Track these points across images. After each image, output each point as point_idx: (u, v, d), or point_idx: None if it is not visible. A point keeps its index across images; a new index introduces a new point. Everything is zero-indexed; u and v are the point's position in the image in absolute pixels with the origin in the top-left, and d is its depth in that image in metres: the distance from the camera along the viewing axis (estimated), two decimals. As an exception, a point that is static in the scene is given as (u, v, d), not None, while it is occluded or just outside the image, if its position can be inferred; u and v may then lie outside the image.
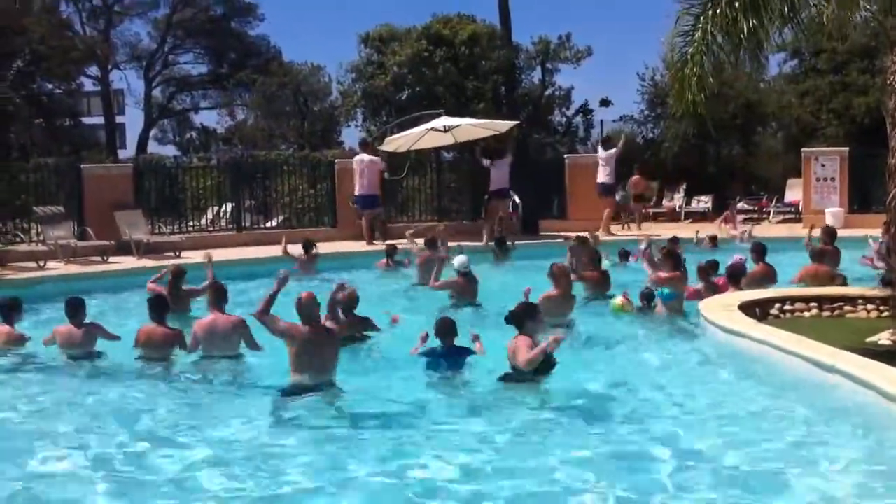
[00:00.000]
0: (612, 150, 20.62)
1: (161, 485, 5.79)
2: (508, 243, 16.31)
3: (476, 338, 8.51)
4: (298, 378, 7.52)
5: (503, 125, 21.54)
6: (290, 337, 7.56)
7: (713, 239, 17.01)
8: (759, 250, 12.58)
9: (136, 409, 7.50)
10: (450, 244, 14.55)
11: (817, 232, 14.05)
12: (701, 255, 13.66)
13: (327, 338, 7.64)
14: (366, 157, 19.60)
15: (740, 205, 24.81)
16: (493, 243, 16.67)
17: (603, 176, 20.43)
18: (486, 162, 19.96)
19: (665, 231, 18.95)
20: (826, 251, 12.91)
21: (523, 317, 7.73)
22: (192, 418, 7.19)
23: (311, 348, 7.51)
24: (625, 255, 15.24)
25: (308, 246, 15.09)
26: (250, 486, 5.77)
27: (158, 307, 9.01)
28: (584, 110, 32.53)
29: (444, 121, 20.02)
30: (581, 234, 15.12)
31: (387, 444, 6.53)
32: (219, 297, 8.93)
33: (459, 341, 8.52)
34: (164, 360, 8.69)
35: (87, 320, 9.17)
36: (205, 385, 8.16)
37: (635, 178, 23.14)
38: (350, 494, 5.65)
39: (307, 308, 7.58)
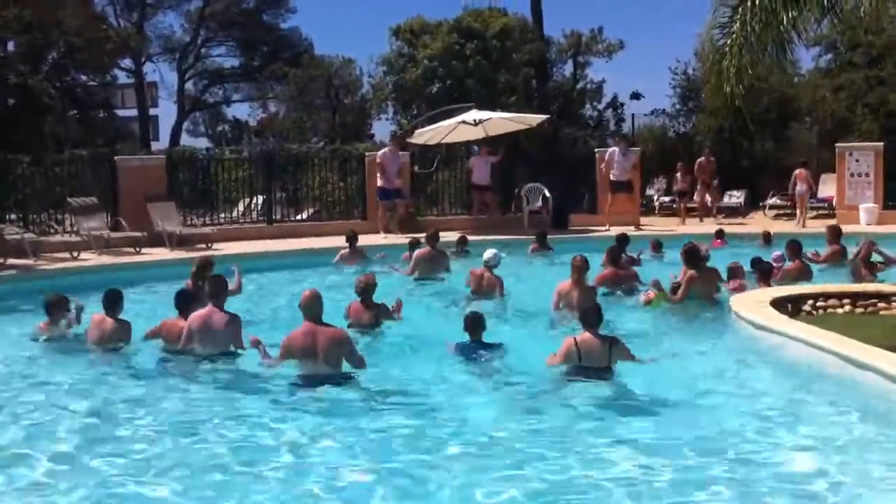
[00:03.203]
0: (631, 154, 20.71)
1: (179, 476, 5.80)
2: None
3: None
4: (303, 370, 7.67)
5: (533, 119, 21.58)
6: (288, 353, 7.75)
7: (766, 236, 16.85)
8: (795, 247, 12.46)
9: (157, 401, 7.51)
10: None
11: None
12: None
13: (325, 334, 7.66)
14: (390, 150, 19.68)
15: (772, 200, 24.62)
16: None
17: (621, 174, 20.33)
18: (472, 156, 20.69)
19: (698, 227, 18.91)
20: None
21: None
22: (208, 412, 7.18)
23: (307, 348, 7.61)
24: (658, 247, 15.16)
25: (351, 239, 15.06)
26: (275, 473, 5.81)
27: (184, 301, 8.91)
28: (615, 104, 32.42)
29: (474, 114, 20.08)
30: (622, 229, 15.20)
31: (401, 430, 6.58)
32: (217, 289, 8.60)
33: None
34: (177, 353, 8.52)
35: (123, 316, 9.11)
36: (210, 380, 8.06)
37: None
38: (366, 481, 5.67)
39: (306, 307, 7.70)
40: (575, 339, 7.62)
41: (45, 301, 9.49)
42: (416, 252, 13.81)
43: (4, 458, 6.15)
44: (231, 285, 9.73)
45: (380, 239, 18.07)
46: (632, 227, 18.86)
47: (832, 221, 18.58)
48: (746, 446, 6.21)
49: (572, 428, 6.67)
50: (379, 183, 19.31)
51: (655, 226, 21.08)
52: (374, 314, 9.64)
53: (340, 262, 14.74)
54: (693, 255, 11.11)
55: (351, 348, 7.81)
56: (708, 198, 23.38)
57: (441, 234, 14.40)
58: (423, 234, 14.44)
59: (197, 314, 8.50)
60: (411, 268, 13.55)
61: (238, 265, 11.79)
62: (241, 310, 9.33)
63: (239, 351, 8.37)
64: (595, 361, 7.54)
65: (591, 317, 7.73)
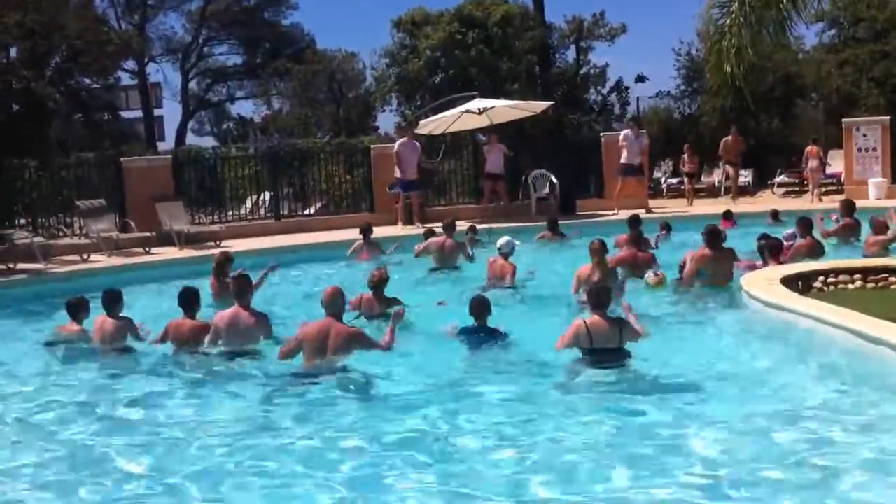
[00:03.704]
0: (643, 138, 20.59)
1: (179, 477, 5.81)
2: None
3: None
4: (308, 365, 7.65)
5: (538, 106, 21.53)
6: (300, 343, 7.79)
7: (775, 214, 16.79)
8: (806, 224, 12.41)
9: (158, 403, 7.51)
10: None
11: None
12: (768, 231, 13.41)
13: (341, 331, 7.67)
14: (406, 141, 19.58)
15: (781, 178, 24.52)
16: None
17: (633, 157, 20.22)
18: (483, 145, 20.65)
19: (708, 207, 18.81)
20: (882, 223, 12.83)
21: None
22: (214, 411, 7.19)
23: (321, 341, 7.61)
24: (666, 228, 15.12)
25: (366, 231, 15.03)
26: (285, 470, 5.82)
27: (187, 301, 8.89)
28: (620, 88, 32.31)
29: (478, 103, 20.05)
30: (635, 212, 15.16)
31: (413, 418, 6.64)
32: (242, 290, 8.64)
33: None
34: (191, 353, 8.59)
35: (125, 313, 9.15)
36: (226, 377, 8.09)
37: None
38: (385, 473, 5.69)
39: (328, 303, 7.71)
40: (584, 321, 7.57)
41: (67, 303, 9.52)
42: (430, 240, 13.84)
43: (16, 459, 6.20)
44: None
45: (393, 230, 18.11)
46: (642, 210, 18.66)
47: (841, 197, 18.50)
48: (757, 425, 6.20)
49: (587, 413, 6.68)
50: (397, 174, 19.24)
51: (669, 207, 20.98)
52: (386, 307, 9.65)
53: (354, 253, 14.73)
54: (714, 236, 11.05)
55: (368, 343, 7.81)
56: (718, 176, 23.38)
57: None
58: (429, 225, 14.46)
59: (223, 314, 8.63)
60: (421, 250, 13.65)
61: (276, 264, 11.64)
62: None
63: (268, 343, 8.43)
64: (605, 342, 7.49)
65: (601, 297, 7.66)
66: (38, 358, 9.13)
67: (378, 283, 9.79)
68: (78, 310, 9.41)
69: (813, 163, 21.47)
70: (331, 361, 7.59)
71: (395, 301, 9.77)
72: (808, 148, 21.83)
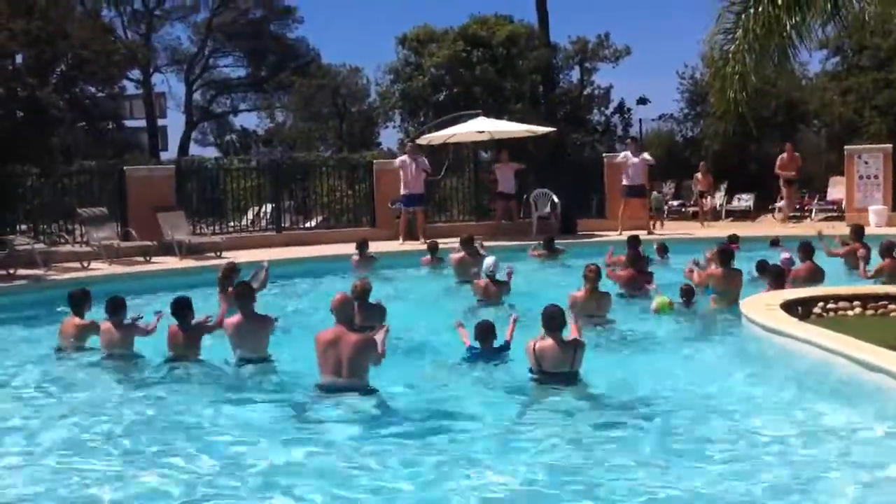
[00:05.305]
0: (646, 158, 20.50)
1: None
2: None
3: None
4: (323, 379, 7.57)
5: (540, 130, 21.58)
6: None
7: (775, 241, 16.79)
8: (807, 249, 12.43)
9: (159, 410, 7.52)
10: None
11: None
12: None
13: (351, 341, 7.50)
14: (408, 157, 19.57)
15: (781, 202, 24.51)
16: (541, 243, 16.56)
17: (635, 178, 20.17)
18: (494, 164, 20.75)
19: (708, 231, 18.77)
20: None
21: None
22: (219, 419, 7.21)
23: (331, 349, 7.49)
24: (663, 251, 15.12)
25: (362, 246, 15.09)
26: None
27: (180, 310, 8.96)
28: (623, 109, 32.36)
29: (480, 124, 20.10)
30: (633, 232, 15.22)
31: (412, 438, 6.64)
32: (244, 297, 8.86)
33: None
34: (185, 358, 8.76)
35: (127, 320, 9.20)
36: (234, 385, 8.16)
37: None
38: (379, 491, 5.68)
39: (338, 310, 7.63)
40: (534, 342, 7.60)
41: (70, 295, 9.63)
42: (450, 256, 14.05)
43: (15, 463, 6.20)
44: (255, 284, 10.31)
45: (395, 245, 18.16)
46: (644, 232, 18.38)
47: (842, 223, 18.54)
48: (751, 450, 6.20)
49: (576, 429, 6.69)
50: (402, 190, 19.26)
51: (676, 230, 20.88)
52: (371, 317, 9.65)
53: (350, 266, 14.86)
54: (727, 255, 11.29)
55: (376, 349, 7.69)
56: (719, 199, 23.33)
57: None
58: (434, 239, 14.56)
59: (230, 321, 8.84)
60: (428, 262, 14.66)
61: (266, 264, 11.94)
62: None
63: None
64: (554, 367, 7.52)
65: (553, 320, 7.62)
66: (36, 362, 9.17)
67: (361, 294, 9.78)
68: (82, 302, 9.55)
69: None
70: (348, 371, 7.43)
71: (378, 308, 9.78)
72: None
